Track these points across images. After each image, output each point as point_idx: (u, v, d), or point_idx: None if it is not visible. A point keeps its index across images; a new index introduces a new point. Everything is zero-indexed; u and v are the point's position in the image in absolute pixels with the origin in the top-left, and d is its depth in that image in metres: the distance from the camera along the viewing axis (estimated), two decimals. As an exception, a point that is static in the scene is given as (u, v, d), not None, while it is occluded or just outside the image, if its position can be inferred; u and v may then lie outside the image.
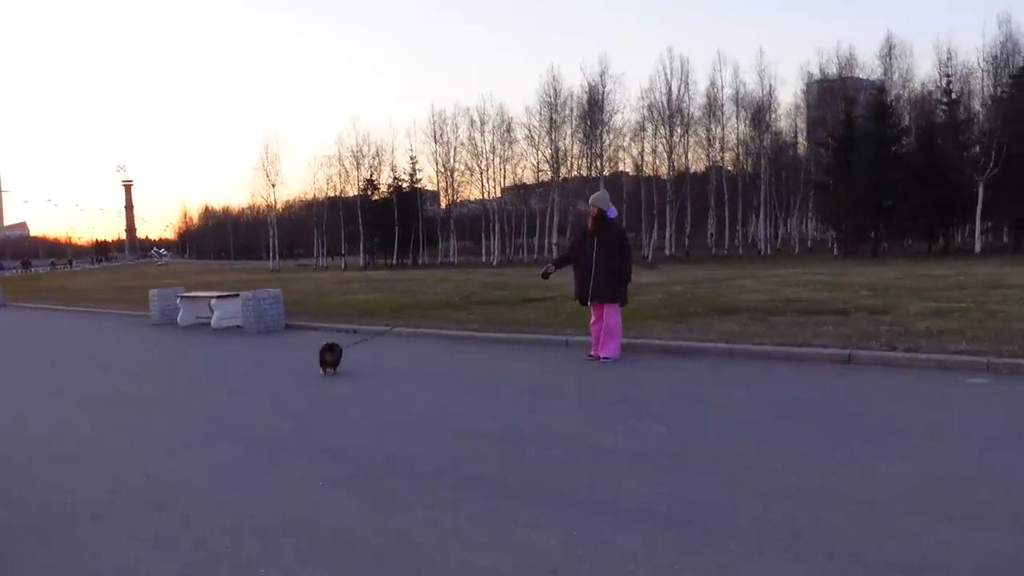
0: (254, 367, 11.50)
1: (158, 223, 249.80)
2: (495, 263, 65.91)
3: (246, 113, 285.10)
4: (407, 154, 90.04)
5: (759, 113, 66.34)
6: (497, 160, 73.88)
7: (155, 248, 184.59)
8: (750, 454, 5.79)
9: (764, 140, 65.90)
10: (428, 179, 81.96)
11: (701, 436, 6.38)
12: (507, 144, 74.12)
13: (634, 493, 5.04)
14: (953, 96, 50.97)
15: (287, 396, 8.93)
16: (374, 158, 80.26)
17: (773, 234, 68.09)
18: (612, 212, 10.65)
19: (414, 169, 79.62)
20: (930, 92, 58.26)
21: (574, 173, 71.50)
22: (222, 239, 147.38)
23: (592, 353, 10.50)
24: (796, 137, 71.67)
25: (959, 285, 18.26)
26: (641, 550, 4.16)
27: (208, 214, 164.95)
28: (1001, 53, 53.17)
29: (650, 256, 58.75)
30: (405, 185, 79.28)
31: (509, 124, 73.67)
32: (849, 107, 54.67)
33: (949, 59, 54.24)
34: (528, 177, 74.97)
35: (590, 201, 10.73)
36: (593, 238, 10.43)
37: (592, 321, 10.61)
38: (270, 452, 6.44)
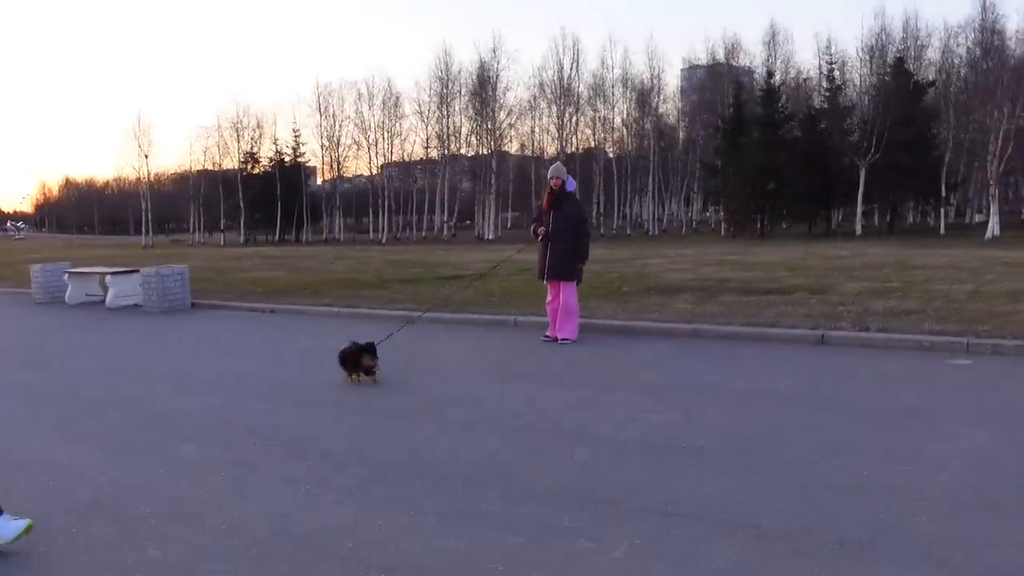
0: (180, 349, 10.39)
1: (12, 196, 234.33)
2: (383, 240, 64.49)
3: (114, 80, 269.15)
4: (290, 127, 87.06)
5: (645, 95, 67.06)
6: (385, 135, 72.20)
7: (10, 221, 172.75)
8: (782, 445, 5.35)
9: (648, 122, 66.64)
10: (312, 154, 79.54)
11: (719, 425, 5.90)
12: (395, 119, 72.56)
13: (685, 494, 4.51)
14: (836, 83, 52.81)
15: (239, 383, 7.96)
16: (255, 130, 77.30)
17: (659, 215, 69.13)
18: (571, 185, 10.05)
19: (297, 142, 77.01)
20: (805, 80, 60.41)
21: (463, 151, 70.70)
22: (85, 213, 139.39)
23: (548, 334, 9.93)
24: (679, 120, 72.85)
25: (871, 265, 18.62)
26: (727, 563, 3.63)
27: (70, 186, 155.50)
28: (876, 43, 55.50)
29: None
30: (288, 159, 76.53)
31: (397, 98, 72.13)
32: (738, 91, 55.90)
33: (828, 47, 56.39)
34: (417, 153, 73.67)
35: (550, 173, 10.07)
36: (549, 213, 9.85)
37: (548, 300, 10.03)
38: (245, 452, 5.57)
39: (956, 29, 62.40)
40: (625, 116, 68.90)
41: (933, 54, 55.36)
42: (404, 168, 74.49)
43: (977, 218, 55.37)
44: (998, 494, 4.38)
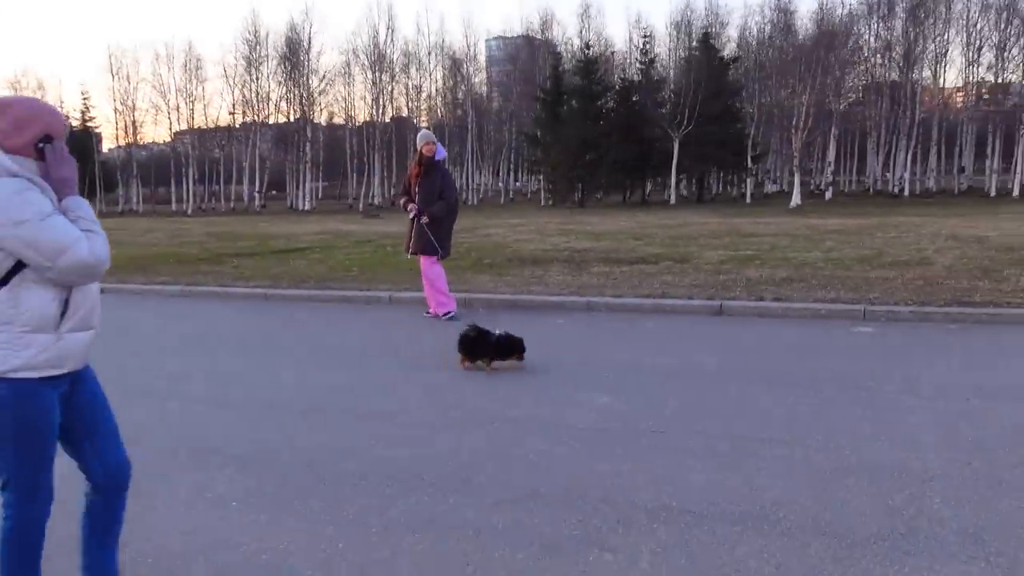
0: None
1: None
2: (188, 212, 60.55)
3: None
4: (78, 89, 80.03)
5: (458, 64, 66.62)
6: (188, 99, 67.61)
7: None
8: (745, 425, 5.08)
9: (462, 91, 66.27)
10: (105, 119, 73.38)
11: (668, 406, 5.54)
12: (198, 82, 68.16)
13: (682, 486, 4.11)
14: (649, 56, 54.41)
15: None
16: (36, 91, 70.29)
17: (475, 184, 69.05)
18: (440, 153, 9.36)
19: (86, 106, 70.88)
20: (612, 52, 62.00)
21: (273, 119, 67.41)
22: None
23: (431, 310, 9.28)
24: (490, 90, 72.92)
25: (711, 233, 19.13)
26: (767, 566, 3.25)
27: None
28: (683, 19, 57.93)
29: (361, 205, 57.22)
30: (76, 123, 70.23)
31: (199, 61, 67.78)
32: (556, 62, 56.46)
33: (639, 21, 58.22)
34: (224, 119, 69.59)
35: (421, 139, 9.32)
36: (417, 183, 9.15)
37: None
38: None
39: (754, 8, 66.13)
40: (440, 85, 68.19)
41: (734, 31, 58.43)
42: (208, 135, 70.22)
43: (771, 188, 58.87)
44: (996, 470, 4.26)
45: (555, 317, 8.98)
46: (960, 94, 56.99)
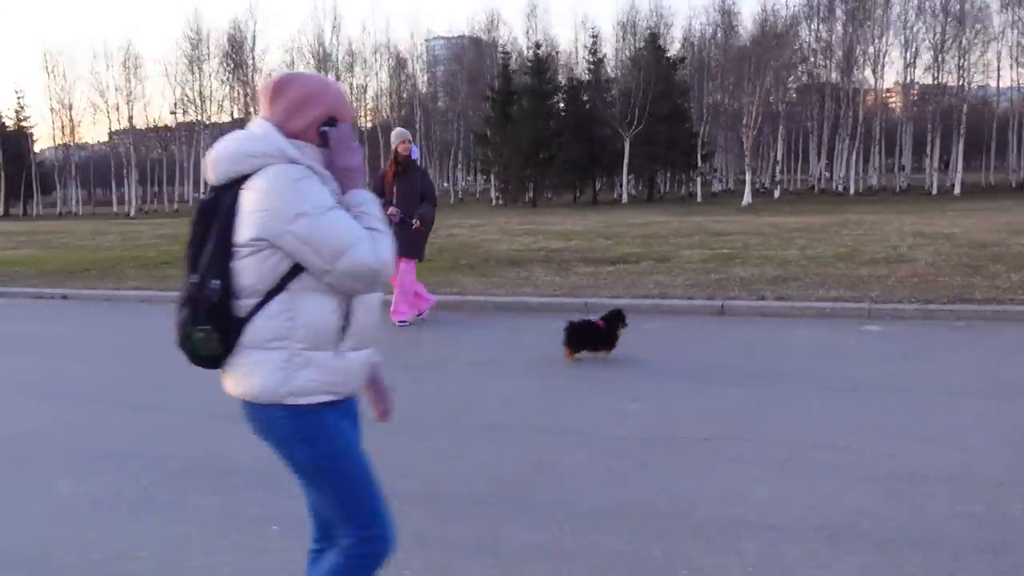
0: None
1: None
2: (131, 214, 58.86)
3: None
4: (11, 87, 77.43)
5: (403, 64, 66.10)
6: (127, 98, 65.67)
7: None
8: (793, 430, 4.95)
9: (406, 91, 65.72)
10: (43, 118, 71.03)
11: (692, 411, 5.46)
12: (138, 81, 66.41)
13: (749, 497, 3.97)
14: (598, 56, 54.58)
15: (81, 392, 6.38)
16: (-34, 90, 67.83)
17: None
18: (415, 152, 9.03)
19: (20, 105, 68.58)
20: (557, 52, 62.09)
21: (217, 118, 65.93)
22: None
23: (416, 311, 8.94)
24: (436, 90, 72.46)
25: (679, 232, 19.10)
26: None
27: None
28: (628, 19, 58.26)
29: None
30: (10, 123, 67.92)
31: (138, 59, 66.00)
32: (506, 61, 56.28)
33: (585, 21, 58.33)
34: (166, 119, 67.88)
35: (396, 137, 8.93)
36: (394, 183, 8.79)
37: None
38: (132, 483, 4.28)
39: (698, 9, 66.82)
40: (387, 84, 67.54)
41: (678, 32, 58.93)
42: (149, 135, 68.38)
43: (718, 187, 59.42)
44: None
45: (553, 320, 8.71)
46: (895, 95, 58.31)
